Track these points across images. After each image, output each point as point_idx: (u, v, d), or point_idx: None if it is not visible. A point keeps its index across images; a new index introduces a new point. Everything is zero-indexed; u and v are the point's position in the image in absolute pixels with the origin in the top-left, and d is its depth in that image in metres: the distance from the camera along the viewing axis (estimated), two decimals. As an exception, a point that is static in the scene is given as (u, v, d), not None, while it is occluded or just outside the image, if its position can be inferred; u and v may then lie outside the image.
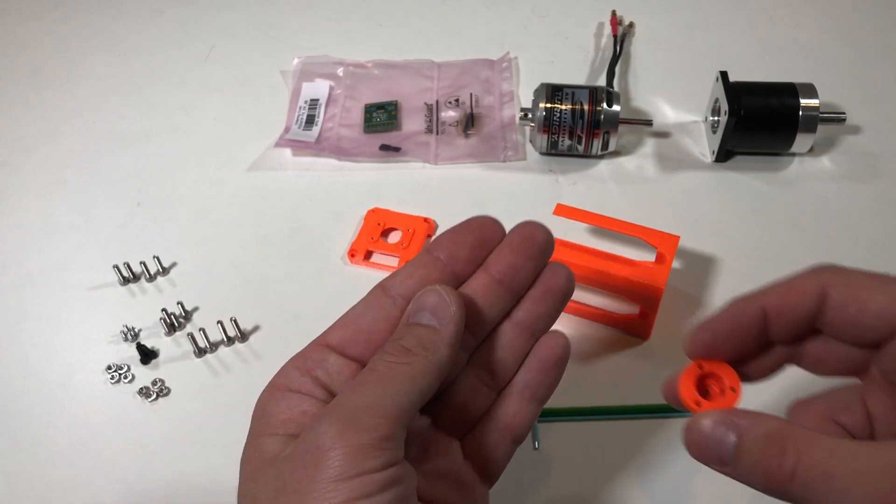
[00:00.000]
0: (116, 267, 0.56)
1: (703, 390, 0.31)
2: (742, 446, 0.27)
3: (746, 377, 0.31)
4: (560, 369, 0.36)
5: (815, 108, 0.58)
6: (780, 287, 0.30)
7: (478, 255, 0.34)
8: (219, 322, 0.51)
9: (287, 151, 0.65)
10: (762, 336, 0.30)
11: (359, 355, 0.33)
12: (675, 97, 0.67)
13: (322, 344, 0.33)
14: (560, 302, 0.36)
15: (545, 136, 0.61)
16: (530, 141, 0.63)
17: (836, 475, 0.25)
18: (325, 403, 0.31)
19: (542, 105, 0.60)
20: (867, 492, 0.25)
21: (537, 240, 0.35)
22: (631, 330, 0.51)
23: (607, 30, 0.72)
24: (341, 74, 0.70)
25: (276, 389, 0.33)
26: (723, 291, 0.53)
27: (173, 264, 0.57)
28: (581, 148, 0.61)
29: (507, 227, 0.35)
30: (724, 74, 0.60)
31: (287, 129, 0.66)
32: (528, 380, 0.35)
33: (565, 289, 0.36)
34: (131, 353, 0.52)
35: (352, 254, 0.57)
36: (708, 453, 0.28)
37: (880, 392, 0.31)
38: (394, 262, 0.56)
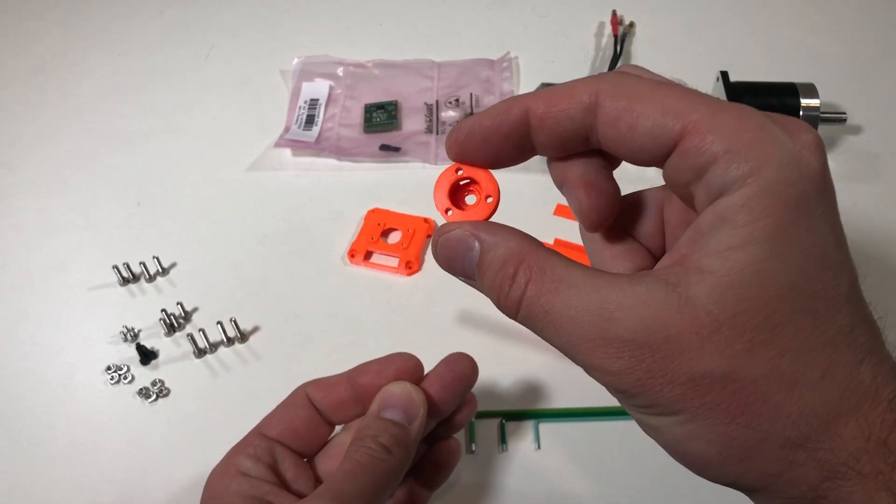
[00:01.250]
0: (116, 267, 0.56)
1: (464, 195, 0.29)
2: (481, 265, 0.26)
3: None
4: (452, 469, 0.40)
5: (816, 108, 0.58)
6: (553, 91, 0.26)
7: None
8: (218, 322, 0.51)
9: (287, 151, 0.65)
10: (525, 144, 0.27)
11: (297, 448, 0.37)
12: (676, 97, 0.67)
13: (264, 435, 0.37)
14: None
15: (545, 136, 0.60)
16: (530, 141, 0.63)
17: (554, 312, 0.24)
18: (277, 486, 0.34)
19: (542, 105, 0.60)
20: (577, 334, 0.24)
21: (467, 379, 0.38)
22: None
23: (608, 29, 0.72)
24: (341, 74, 0.70)
25: (227, 473, 0.35)
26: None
27: (173, 264, 0.57)
28: (581, 148, 0.61)
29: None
30: (724, 74, 0.60)
31: (287, 129, 0.66)
32: (425, 475, 0.39)
33: (465, 421, 0.40)
34: (131, 353, 0.52)
35: (352, 254, 0.57)
36: (454, 265, 0.27)
37: (674, 198, 0.28)
38: (394, 262, 0.56)
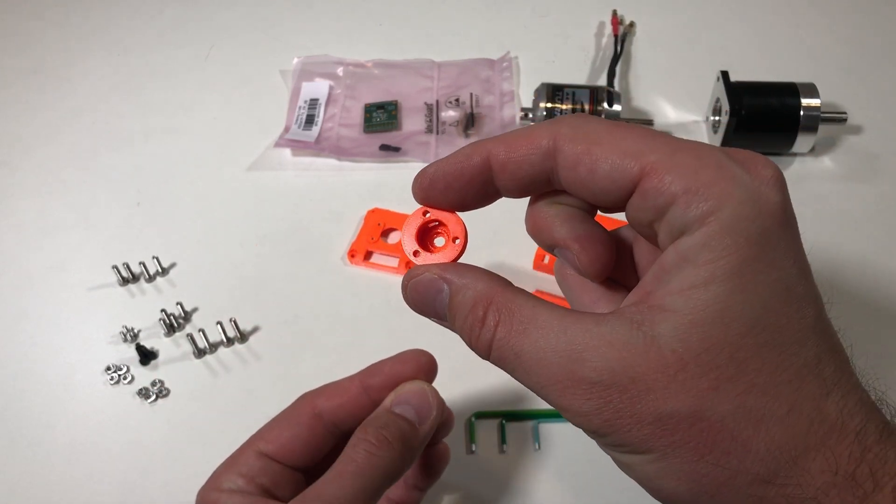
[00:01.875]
0: (116, 267, 0.56)
1: (433, 237, 0.29)
2: (451, 307, 0.26)
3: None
4: (442, 471, 0.40)
5: (817, 108, 0.58)
6: (513, 136, 0.26)
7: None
8: (218, 323, 0.51)
9: (287, 151, 0.65)
10: (489, 188, 0.27)
11: (294, 464, 0.35)
12: (676, 97, 0.67)
13: (258, 451, 0.35)
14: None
15: (545, 136, 0.60)
16: (530, 141, 0.63)
17: (524, 354, 0.24)
18: (271, 500, 0.33)
19: (542, 105, 0.60)
20: (547, 375, 0.24)
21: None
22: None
23: (608, 29, 0.72)
24: (341, 74, 0.70)
25: (219, 489, 0.34)
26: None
27: (173, 264, 0.57)
28: (581, 148, 0.61)
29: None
30: (724, 74, 0.60)
31: (287, 129, 0.66)
32: (417, 478, 0.39)
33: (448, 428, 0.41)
34: (131, 353, 0.52)
35: (352, 254, 0.57)
36: (425, 308, 0.28)
37: (643, 239, 0.28)
38: (393, 262, 0.56)
